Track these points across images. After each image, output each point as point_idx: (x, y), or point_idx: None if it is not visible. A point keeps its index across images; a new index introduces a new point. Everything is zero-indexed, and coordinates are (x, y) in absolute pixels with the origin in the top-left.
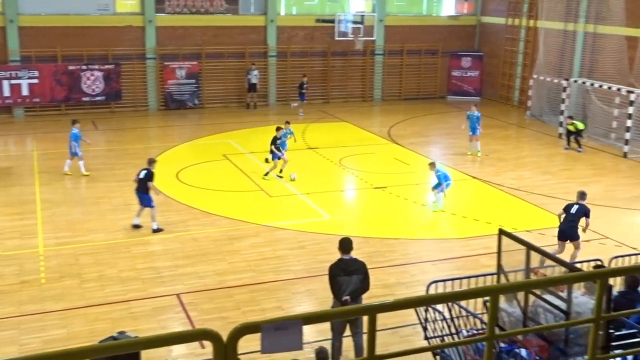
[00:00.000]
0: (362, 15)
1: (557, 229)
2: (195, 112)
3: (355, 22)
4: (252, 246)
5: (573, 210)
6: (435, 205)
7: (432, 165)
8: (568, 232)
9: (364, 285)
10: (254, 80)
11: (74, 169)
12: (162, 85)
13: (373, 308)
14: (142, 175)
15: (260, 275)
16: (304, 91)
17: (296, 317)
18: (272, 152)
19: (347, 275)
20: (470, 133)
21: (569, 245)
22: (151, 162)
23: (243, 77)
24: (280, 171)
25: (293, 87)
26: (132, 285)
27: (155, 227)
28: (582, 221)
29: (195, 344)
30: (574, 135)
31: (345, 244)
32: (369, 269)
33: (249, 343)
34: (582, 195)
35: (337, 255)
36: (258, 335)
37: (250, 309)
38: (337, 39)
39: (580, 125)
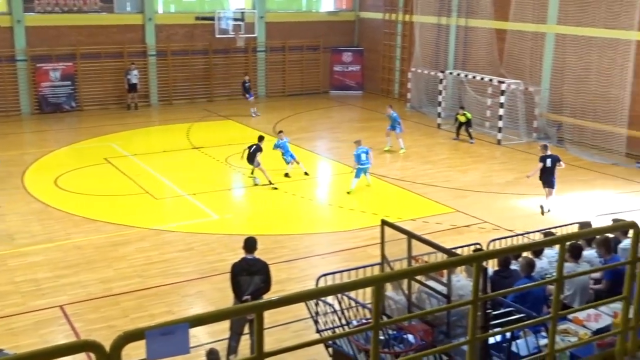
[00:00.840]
0: (243, 12)
1: (541, 180)
2: (72, 115)
3: (235, 19)
4: (138, 251)
5: (549, 163)
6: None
7: (357, 142)
8: (550, 181)
9: (266, 286)
10: (134, 81)
11: None
12: (35, 88)
13: (260, 306)
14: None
15: (147, 280)
16: (248, 88)
17: (181, 320)
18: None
19: (249, 275)
20: (389, 128)
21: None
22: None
23: (122, 78)
24: (270, 182)
25: (175, 86)
26: (10, 300)
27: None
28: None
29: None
30: (465, 126)
31: (249, 244)
32: None
33: (138, 351)
34: (545, 147)
35: (226, 255)
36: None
37: (139, 316)
38: (218, 36)
39: (469, 115)
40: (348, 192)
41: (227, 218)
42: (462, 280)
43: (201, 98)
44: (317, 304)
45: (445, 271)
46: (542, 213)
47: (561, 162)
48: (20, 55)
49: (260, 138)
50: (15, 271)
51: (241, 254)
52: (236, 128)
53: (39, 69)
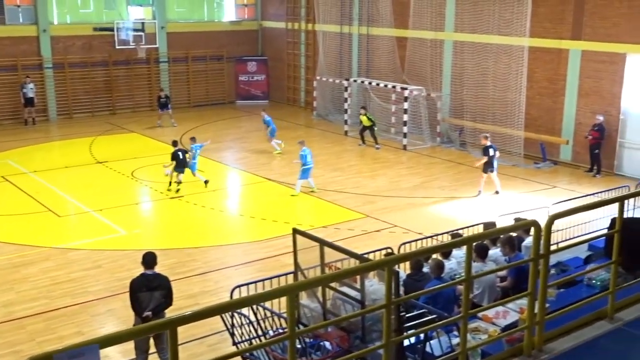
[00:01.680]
0: (143, 23)
1: (488, 167)
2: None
3: (136, 30)
4: (43, 271)
5: (491, 152)
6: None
7: (301, 143)
8: (493, 166)
9: (167, 301)
10: (30, 94)
11: None
12: None
13: (173, 322)
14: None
15: (54, 301)
16: (164, 103)
17: (91, 341)
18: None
19: (149, 290)
20: (269, 134)
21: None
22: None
23: (17, 92)
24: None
25: (75, 99)
26: None
27: None
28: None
29: None
30: (369, 130)
31: (148, 259)
32: (172, 281)
33: None
34: (487, 137)
35: (138, 271)
36: None
37: (46, 339)
38: (118, 47)
39: (372, 118)
40: (293, 195)
41: (135, 233)
42: (374, 284)
43: (103, 111)
44: (232, 316)
45: (358, 277)
46: (498, 193)
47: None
48: None
49: (175, 142)
50: None
51: (155, 270)
52: (141, 141)
53: None
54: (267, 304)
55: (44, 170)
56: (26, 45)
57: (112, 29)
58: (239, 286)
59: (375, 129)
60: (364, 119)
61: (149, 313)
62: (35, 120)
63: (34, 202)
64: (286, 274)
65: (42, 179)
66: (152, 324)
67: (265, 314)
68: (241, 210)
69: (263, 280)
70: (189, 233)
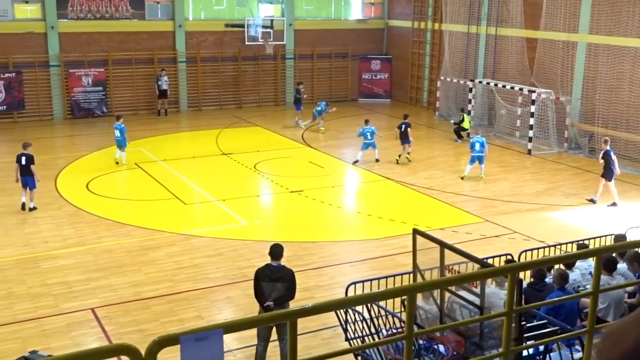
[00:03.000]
0: (272, 20)
1: (608, 174)
2: (103, 120)
3: (264, 27)
4: (168, 255)
5: (613, 156)
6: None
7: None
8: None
9: (290, 294)
10: (164, 87)
11: None
12: (67, 93)
13: (293, 313)
14: (24, 161)
15: (177, 284)
16: (299, 99)
17: (215, 326)
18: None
19: (272, 281)
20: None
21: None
22: (26, 146)
23: (152, 84)
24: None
25: (204, 92)
26: (42, 302)
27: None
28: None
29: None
30: (462, 129)
31: (275, 251)
32: None
33: (170, 355)
34: (606, 140)
35: (257, 261)
36: (179, 347)
37: (169, 320)
38: (247, 43)
39: (469, 121)
40: (462, 178)
41: (255, 224)
42: (491, 288)
43: (230, 104)
44: (346, 312)
45: (478, 282)
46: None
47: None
48: (54, 61)
49: (406, 116)
50: (47, 273)
51: (269, 260)
52: (265, 135)
53: (71, 74)
54: (382, 303)
55: (173, 159)
56: (163, 39)
57: (242, 26)
58: (354, 283)
59: (469, 131)
60: (466, 119)
61: (271, 303)
62: (167, 112)
63: (163, 189)
64: (401, 274)
65: (171, 168)
66: (274, 314)
67: (379, 312)
68: (359, 208)
69: (379, 278)
70: (307, 227)
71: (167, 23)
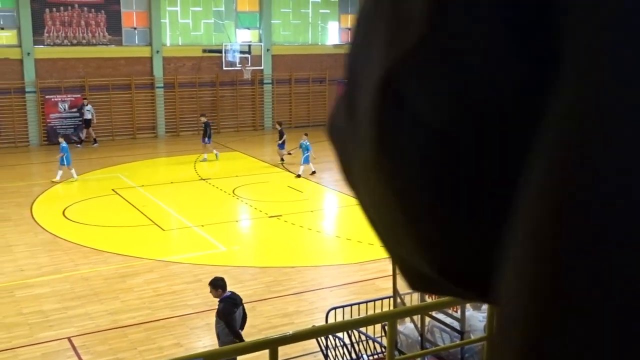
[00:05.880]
0: (249, 45)
1: None
2: (80, 147)
3: (242, 52)
4: (147, 282)
5: None
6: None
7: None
8: None
9: (246, 315)
10: (88, 116)
11: None
12: (43, 119)
13: (275, 341)
14: None
15: (155, 312)
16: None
17: (196, 355)
18: None
19: (237, 308)
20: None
21: None
22: None
23: (130, 109)
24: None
25: (182, 117)
26: (17, 332)
27: None
28: None
29: None
30: None
31: (224, 282)
32: (268, 299)
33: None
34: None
35: (235, 287)
36: None
37: (147, 348)
38: (225, 69)
39: None
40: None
41: (234, 250)
42: (470, 311)
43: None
44: (327, 338)
45: (458, 306)
46: None
47: None
48: (30, 87)
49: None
50: (22, 302)
51: (250, 286)
52: (243, 160)
53: (47, 100)
54: (362, 328)
55: (150, 184)
56: (140, 65)
57: (220, 51)
58: (334, 308)
59: None
60: None
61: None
62: (96, 140)
63: (140, 216)
64: (382, 298)
65: (148, 193)
66: (255, 341)
67: (360, 337)
68: (338, 232)
69: (359, 303)
70: (287, 252)
71: (144, 49)
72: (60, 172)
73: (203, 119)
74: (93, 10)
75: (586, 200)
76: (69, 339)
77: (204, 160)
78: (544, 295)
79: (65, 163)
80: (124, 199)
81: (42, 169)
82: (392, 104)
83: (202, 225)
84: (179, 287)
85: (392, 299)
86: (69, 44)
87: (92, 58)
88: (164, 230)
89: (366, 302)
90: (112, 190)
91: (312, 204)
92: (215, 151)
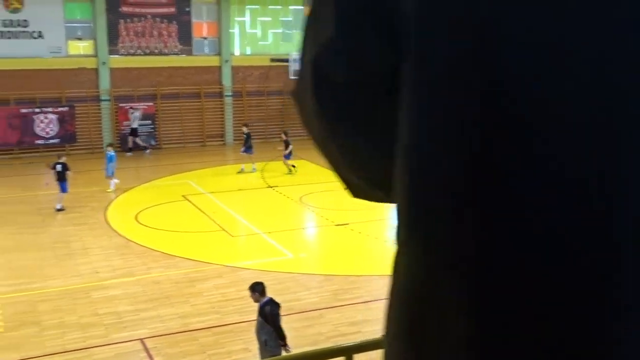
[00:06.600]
0: None
1: None
2: (152, 153)
3: None
4: (215, 287)
5: None
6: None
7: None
8: None
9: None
10: (134, 125)
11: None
12: (117, 126)
13: (351, 348)
14: (59, 168)
15: (224, 316)
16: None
17: None
18: None
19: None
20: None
21: None
22: (60, 156)
23: (200, 117)
24: None
25: (250, 126)
26: (93, 332)
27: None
28: None
29: None
30: None
31: (264, 286)
32: (336, 307)
33: None
34: None
35: (302, 294)
36: None
37: (216, 352)
38: (292, 77)
39: None
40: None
41: (301, 257)
42: None
43: (275, 138)
44: None
45: None
46: None
47: None
48: (105, 95)
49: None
50: (97, 303)
51: (316, 293)
52: (310, 168)
53: (121, 108)
54: None
55: (219, 191)
56: (209, 74)
57: (287, 60)
58: None
59: None
60: None
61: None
62: (146, 148)
63: (210, 221)
64: None
65: (217, 200)
66: (330, 348)
67: None
68: None
69: None
70: (353, 260)
71: (213, 58)
72: (114, 181)
73: (245, 129)
74: (165, 20)
75: None
76: (141, 340)
77: (242, 171)
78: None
79: (109, 172)
80: (194, 205)
81: (116, 175)
82: (318, 72)
83: (270, 232)
84: (247, 293)
85: None
86: (142, 53)
87: (164, 67)
88: (232, 236)
89: None
90: (183, 196)
91: (379, 212)
92: (253, 165)
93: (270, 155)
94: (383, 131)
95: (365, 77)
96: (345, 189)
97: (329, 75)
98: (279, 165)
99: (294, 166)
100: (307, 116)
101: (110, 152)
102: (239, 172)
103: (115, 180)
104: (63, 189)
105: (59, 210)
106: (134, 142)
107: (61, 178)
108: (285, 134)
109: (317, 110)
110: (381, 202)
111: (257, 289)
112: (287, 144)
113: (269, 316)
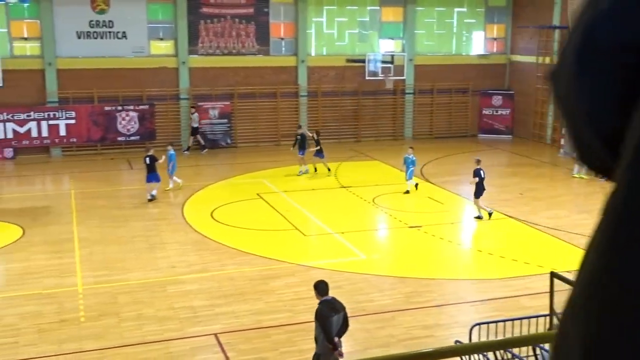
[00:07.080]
0: (392, 55)
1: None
2: (228, 152)
3: (385, 62)
4: (288, 286)
5: (483, 174)
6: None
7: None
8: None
9: (346, 324)
10: (194, 124)
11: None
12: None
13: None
14: (148, 160)
15: (296, 315)
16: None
17: None
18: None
19: (336, 313)
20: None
21: None
22: (149, 148)
23: (275, 117)
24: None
25: (324, 125)
26: (169, 325)
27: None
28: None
29: None
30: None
31: (324, 287)
32: (407, 309)
33: None
34: (478, 161)
35: (374, 296)
36: None
37: (288, 350)
38: (367, 78)
39: None
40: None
41: (374, 258)
42: None
43: (349, 138)
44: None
45: None
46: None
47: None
48: (184, 94)
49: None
50: (174, 297)
51: (389, 295)
52: (383, 169)
53: (199, 107)
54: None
55: (292, 190)
56: (285, 74)
57: (363, 61)
58: (478, 324)
59: None
60: None
61: (337, 338)
62: (204, 147)
63: (283, 220)
64: (530, 317)
65: (291, 199)
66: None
67: (504, 354)
68: (479, 246)
69: (505, 320)
70: (426, 263)
71: (290, 58)
72: (174, 180)
73: (300, 131)
74: (244, 21)
75: None
76: (215, 335)
77: (302, 173)
78: None
79: (170, 171)
80: (268, 203)
81: (193, 172)
82: (587, 35)
83: (342, 233)
84: None
85: (547, 318)
86: (220, 53)
87: (241, 67)
88: (305, 235)
89: (513, 319)
90: (257, 194)
91: (452, 216)
92: (305, 166)
93: (344, 156)
94: (627, 101)
95: (630, 53)
96: (577, 151)
97: (597, 40)
98: (352, 166)
99: (329, 169)
100: (561, 86)
101: (171, 151)
102: (299, 174)
103: (176, 179)
104: (156, 179)
105: (150, 199)
106: (195, 140)
107: (151, 169)
108: (317, 133)
109: (574, 71)
110: (607, 172)
111: (316, 287)
112: (317, 143)
113: (317, 315)
